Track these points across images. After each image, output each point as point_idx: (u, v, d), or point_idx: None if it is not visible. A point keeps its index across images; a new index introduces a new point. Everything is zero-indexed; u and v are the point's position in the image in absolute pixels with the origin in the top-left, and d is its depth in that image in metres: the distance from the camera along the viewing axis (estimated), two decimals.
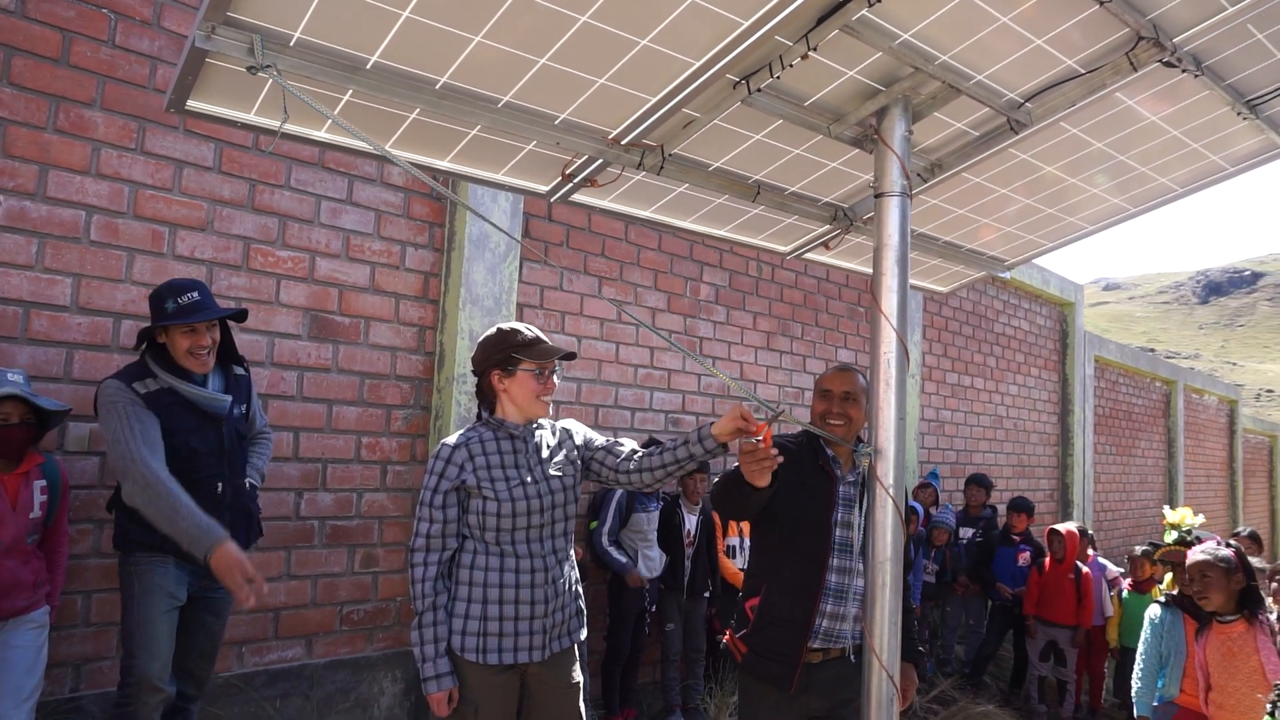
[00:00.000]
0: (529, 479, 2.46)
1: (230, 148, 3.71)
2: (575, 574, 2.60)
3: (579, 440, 2.67)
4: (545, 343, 2.57)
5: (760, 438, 2.20)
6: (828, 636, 2.57)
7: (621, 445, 2.65)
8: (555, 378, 2.57)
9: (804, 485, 2.58)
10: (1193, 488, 13.96)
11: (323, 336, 3.98)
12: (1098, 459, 10.88)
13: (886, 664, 2.16)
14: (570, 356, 2.62)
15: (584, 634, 2.61)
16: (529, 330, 2.56)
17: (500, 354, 2.51)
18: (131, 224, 3.46)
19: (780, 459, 2.19)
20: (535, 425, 2.58)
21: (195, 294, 2.88)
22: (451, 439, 2.48)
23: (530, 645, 2.40)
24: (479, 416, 2.62)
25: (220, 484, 2.96)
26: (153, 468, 2.66)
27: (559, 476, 2.52)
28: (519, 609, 2.38)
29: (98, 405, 2.77)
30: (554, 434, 2.64)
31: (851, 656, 2.61)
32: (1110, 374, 11.49)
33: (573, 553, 2.62)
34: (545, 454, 2.55)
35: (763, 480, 2.20)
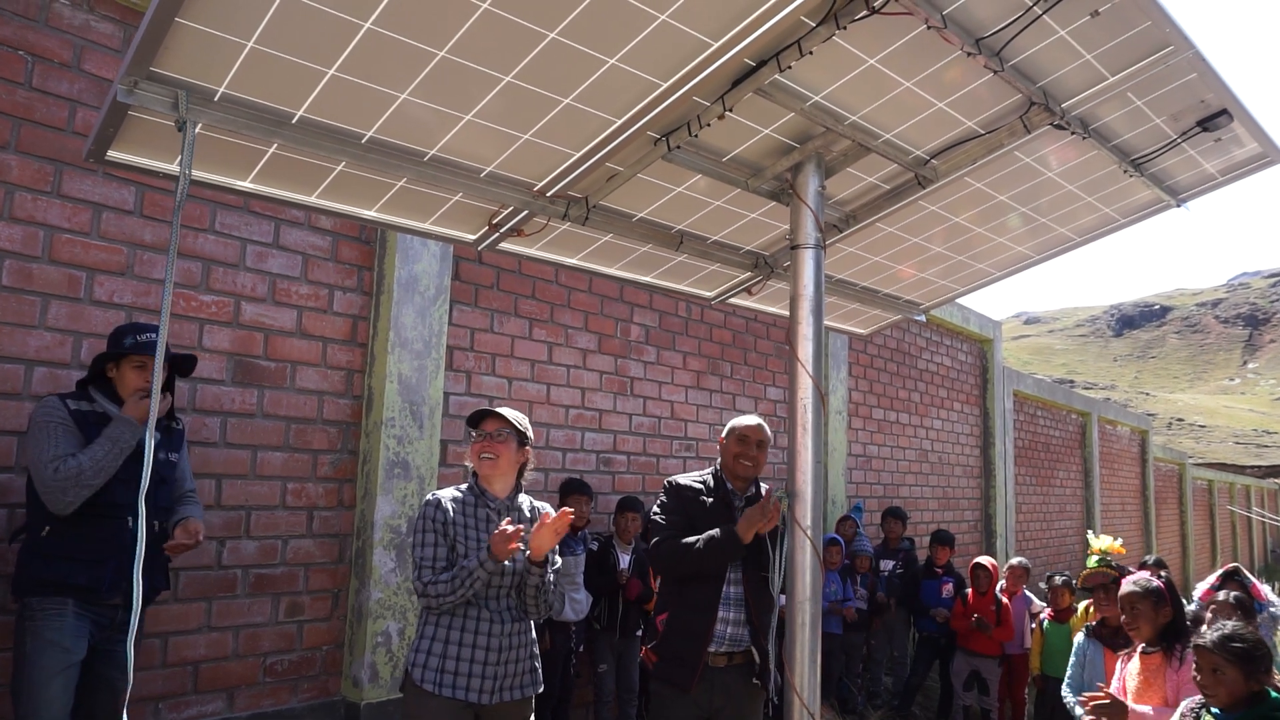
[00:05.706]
0: None
1: (152, 191, 3.65)
2: (533, 635, 2.91)
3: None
4: (481, 413, 2.94)
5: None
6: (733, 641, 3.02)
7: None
8: (493, 442, 2.87)
9: (711, 516, 3.09)
10: (1109, 515, 14.51)
11: (248, 381, 3.92)
12: (1019, 489, 11.25)
13: (807, 701, 2.22)
14: (487, 415, 2.92)
15: (539, 689, 2.90)
16: (486, 408, 2.97)
17: (467, 427, 3.01)
18: (46, 268, 3.37)
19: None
20: (511, 500, 2.93)
21: (153, 335, 2.96)
22: (444, 493, 2.86)
23: (481, 688, 2.70)
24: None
25: (131, 519, 2.85)
26: (68, 464, 2.72)
27: (524, 551, 2.82)
28: (474, 653, 2.70)
29: (31, 421, 2.84)
30: (528, 512, 2.97)
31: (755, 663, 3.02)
32: (1029, 407, 11.93)
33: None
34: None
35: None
